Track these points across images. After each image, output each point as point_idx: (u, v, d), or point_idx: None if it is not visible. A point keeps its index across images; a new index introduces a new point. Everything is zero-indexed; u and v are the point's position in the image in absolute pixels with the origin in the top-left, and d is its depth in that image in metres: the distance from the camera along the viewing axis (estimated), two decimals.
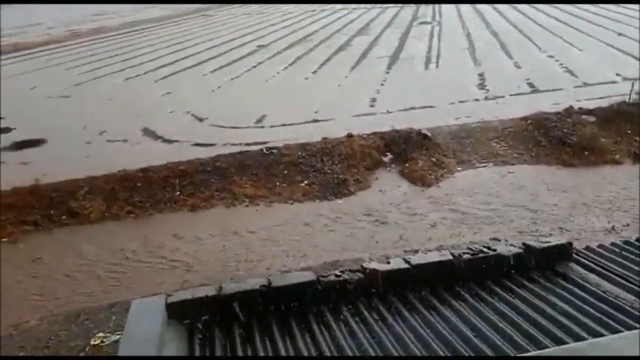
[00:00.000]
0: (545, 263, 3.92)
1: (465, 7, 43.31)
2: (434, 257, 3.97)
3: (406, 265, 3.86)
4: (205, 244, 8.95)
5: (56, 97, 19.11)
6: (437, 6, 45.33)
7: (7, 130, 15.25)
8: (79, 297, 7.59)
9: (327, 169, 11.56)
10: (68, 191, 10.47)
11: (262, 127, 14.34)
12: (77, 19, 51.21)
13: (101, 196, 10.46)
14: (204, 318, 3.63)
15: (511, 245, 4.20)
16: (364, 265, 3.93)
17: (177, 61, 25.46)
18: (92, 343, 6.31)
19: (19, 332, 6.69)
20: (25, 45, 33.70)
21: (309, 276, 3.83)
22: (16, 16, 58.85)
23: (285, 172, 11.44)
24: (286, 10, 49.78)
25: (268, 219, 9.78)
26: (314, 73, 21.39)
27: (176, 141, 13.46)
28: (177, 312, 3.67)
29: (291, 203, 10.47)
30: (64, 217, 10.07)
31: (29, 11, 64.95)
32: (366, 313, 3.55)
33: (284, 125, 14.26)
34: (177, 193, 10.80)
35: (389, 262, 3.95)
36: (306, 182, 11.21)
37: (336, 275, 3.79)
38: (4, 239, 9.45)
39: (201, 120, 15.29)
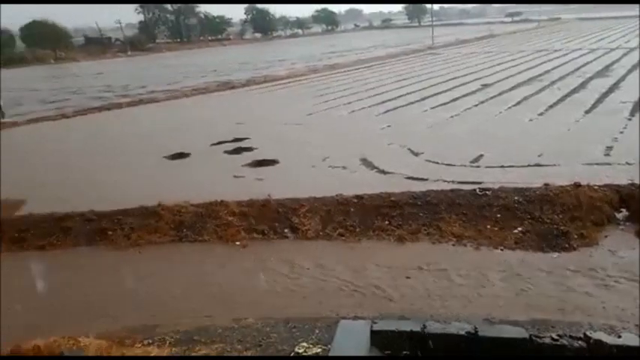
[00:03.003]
0: None
1: None
2: None
3: None
4: (410, 276, 8.99)
5: (291, 124, 21.55)
6: None
7: (251, 149, 17.72)
8: (291, 305, 8.31)
9: (546, 218, 10.64)
10: (292, 208, 11.64)
11: (478, 166, 13.92)
12: (317, 55, 57.39)
13: (318, 216, 11.37)
14: (405, 353, 3.66)
15: None
16: (587, 333, 3.51)
17: (400, 96, 26.48)
18: (296, 350, 6.83)
19: (239, 327, 7.61)
20: (272, 77, 39.11)
21: (520, 332, 3.57)
22: (269, 52, 68.71)
23: (498, 215, 10.88)
24: (515, 50, 47.99)
25: (476, 261, 9.38)
26: (541, 115, 20.03)
27: (390, 172, 13.93)
28: (380, 340, 3.78)
29: (501, 249, 9.87)
30: (285, 231, 11.21)
31: (280, 48, 75.17)
32: None
33: (502, 167, 13.61)
34: (386, 222, 11.11)
35: (620, 336, 3.45)
36: (520, 229, 10.47)
37: (553, 338, 3.45)
38: (237, 242, 10.92)
39: (416, 154, 15.55)
